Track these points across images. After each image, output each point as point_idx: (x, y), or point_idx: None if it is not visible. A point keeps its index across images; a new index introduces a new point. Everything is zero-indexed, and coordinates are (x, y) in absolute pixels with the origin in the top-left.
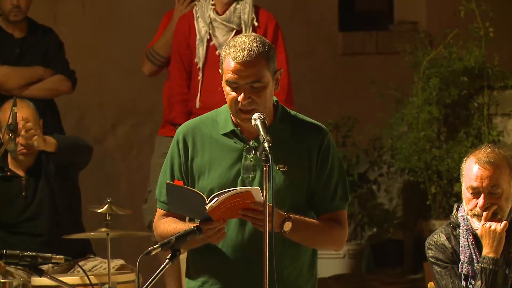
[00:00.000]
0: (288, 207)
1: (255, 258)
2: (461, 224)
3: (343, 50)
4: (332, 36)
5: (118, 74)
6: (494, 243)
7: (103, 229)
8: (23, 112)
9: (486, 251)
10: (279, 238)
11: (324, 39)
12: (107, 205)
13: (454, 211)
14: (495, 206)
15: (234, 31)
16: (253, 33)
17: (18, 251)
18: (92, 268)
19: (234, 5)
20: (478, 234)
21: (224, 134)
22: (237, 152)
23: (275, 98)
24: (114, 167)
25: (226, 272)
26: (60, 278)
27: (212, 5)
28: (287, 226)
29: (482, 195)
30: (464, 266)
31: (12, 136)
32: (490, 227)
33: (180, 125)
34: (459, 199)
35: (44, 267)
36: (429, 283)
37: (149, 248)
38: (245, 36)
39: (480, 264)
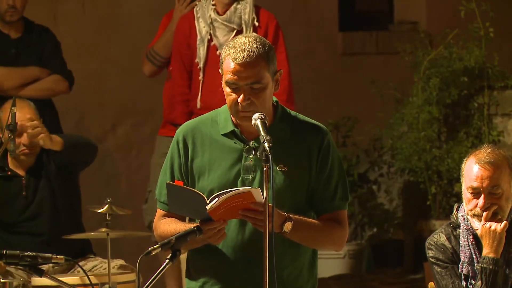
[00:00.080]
0: (288, 207)
1: (255, 258)
2: (461, 224)
3: (343, 50)
4: (332, 36)
5: (118, 74)
6: (494, 243)
7: (103, 229)
8: (26, 112)
9: (486, 251)
10: (279, 238)
11: (324, 39)
12: (107, 205)
13: (454, 211)
14: (495, 206)
15: (235, 31)
16: (254, 34)
17: (18, 251)
18: (92, 268)
19: (234, 5)
20: (478, 234)
21: (224, 135)
22: (237, 152)
23: (274, 98)
24: (114, 167)
25: (226, 272)
26: (60, 278)
27: (213, 5)
28: (288, 226)
29: (482, 195)
30: (464, 266)
31: (12, 136)
32: (490, 227)
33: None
34: (459, 199)
35: (44, 267)
36: (429, 283)
37: (149, 248)
38: (245, 36)
39: (480, 264)
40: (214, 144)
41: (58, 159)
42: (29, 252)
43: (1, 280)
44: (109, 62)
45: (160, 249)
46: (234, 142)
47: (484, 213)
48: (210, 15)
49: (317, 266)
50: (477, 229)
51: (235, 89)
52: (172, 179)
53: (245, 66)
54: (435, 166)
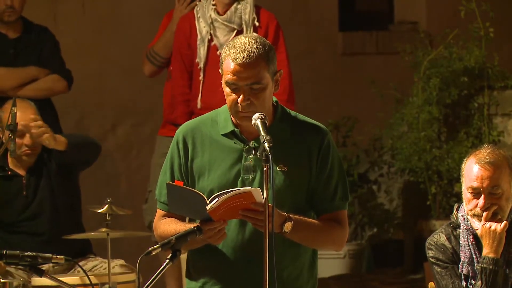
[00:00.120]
0: (288, 207)
1: (256, 259)
2: (461, 224)
3: (343, 50)
4: (332, 36)
5: (118, 74)
6: (494, 243)
7: (103, 229)
8: (29, 112)
9: (486, 251)
10: (279, 238)
11: (324, 39)
12: (107, 205)
13: (454, 211)
14: (495, 206)
15: (235, 31)
16: (254, 34)
17: (18, 251)
18: (92, 268)
19: (235, 5)
20: (478, 234)
21: (224, 135)
22: (237, 152)
23: (274, 99)
24: (114, 167)
25: (227, 273)
26: (60, 278)
27: (213, 5)
28: (288, 226)
29: (483, 196)
30: (464, 266)
31: (12, 136)
32: (490, 227)
33: None
34: (459, 199)
35: (45, 266)
36: (429, 283)
37: (150, 248)
38: (246, 37)
39: (480, 264)
40: (214, 144)
41: (61, 159)
42: (29, 252)
43: (1, 280)
44: (109, 62)
45: (160, 249)
46: (234, 142)
47: (484, 213)
48: (210, 15)
49: (317, 266)
50: (477, 229)
51: (235, 89)
52: (172, 179)
53: (245, 67)
54: (435, 166)
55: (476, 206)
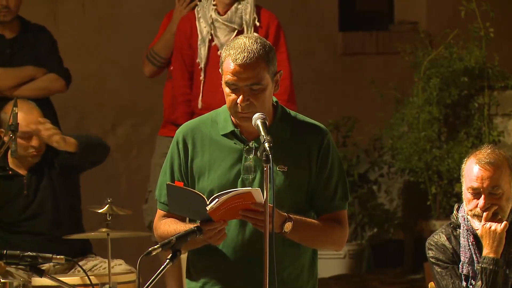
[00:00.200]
0: (288, 207)
1: (256, 259)
2: (461, 225)
3: (343, 50)
4: (332, 36)
5: (118, 74)
6: (494, 244)
7: (104, 229)
8: (36, 114)
9: (487, 251)
10: (279, 238)
11: (324, 39)
12: (107, 205)
13: (454, 212)
14: (496, 206)
15: (236, 31)
16: (254, 34)
17: (18, 251)
18: (93, 267)
19: (235, 5)
20: (479, 234)
21: (224, 135)
22: (237, 153)
23: (274, 99)
24: (114, 167)
25: (227, 273)
26: (60, 278)
27: (214, 5)
28: (288, 226)
29: (483, 196)
30: (464, 267)
31: (13, 137)
32: (490, 227)
33: None
34: (459, 200)
35: (45, 266)
36: (430, 283)
37: (150, 249)
38: (246, 37)
39: (480, 265)
40: (214, 145)
41: (70, 160)
42: (29, 252)
43: (1, 280)
44: (109, 62)
45: (160, 249)
46: (234, 143)
47: (484, 214)
48: (211, 15)
49: (317, 266)
50: (477, 229)
51: (235, 90)
52: (172, 179)
53: (244, 67)
54: (435, 166)
55: (476, 206)
